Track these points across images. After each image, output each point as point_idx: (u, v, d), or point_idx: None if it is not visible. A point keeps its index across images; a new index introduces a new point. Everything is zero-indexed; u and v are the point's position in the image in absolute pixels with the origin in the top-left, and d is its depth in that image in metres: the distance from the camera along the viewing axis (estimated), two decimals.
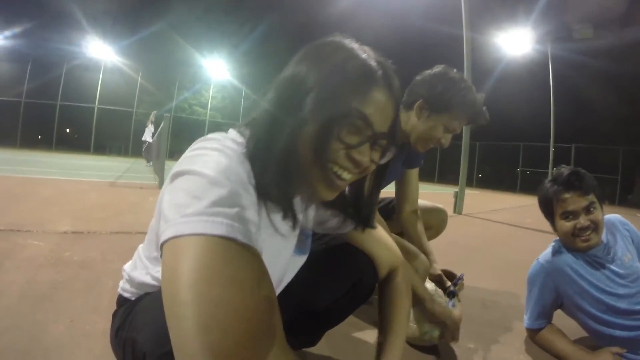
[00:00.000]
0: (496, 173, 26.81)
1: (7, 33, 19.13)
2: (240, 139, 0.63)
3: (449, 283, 1.56)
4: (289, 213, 0.64)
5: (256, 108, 0.67)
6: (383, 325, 0.88)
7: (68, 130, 23.41)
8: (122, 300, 0.79)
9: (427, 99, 1.44)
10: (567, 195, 1.37)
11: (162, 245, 0.49)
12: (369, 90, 0.62)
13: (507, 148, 23.89)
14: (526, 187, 21.55)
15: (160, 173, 6.56)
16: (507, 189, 22.12)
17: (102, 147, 21.70)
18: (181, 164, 0.56)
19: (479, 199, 12.07)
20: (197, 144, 0.60)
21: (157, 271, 0.69)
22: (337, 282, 0.89)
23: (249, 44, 24.62)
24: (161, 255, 0.49)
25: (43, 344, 1.17)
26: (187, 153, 0.58)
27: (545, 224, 1.54)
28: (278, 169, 0.60)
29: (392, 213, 1.87)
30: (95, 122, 20.56)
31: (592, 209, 1.35)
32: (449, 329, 1.27)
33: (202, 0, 24.88)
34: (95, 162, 12.14)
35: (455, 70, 1.49)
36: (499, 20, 15.53)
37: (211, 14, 24.97)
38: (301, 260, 0.84)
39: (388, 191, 1.81)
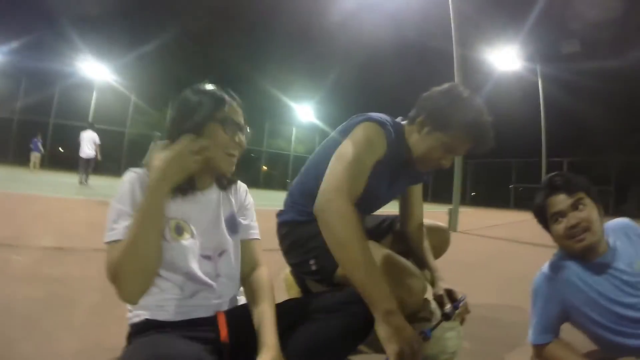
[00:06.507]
0: (489, 191, 26.75)
1: (3, 48, 19.04)
2: None
3: (449, 305, 1.38)
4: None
5: None
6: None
7: (60, 148, 23.14)
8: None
9: (429, 113, 1.35)
10: (553, 197, 1.31)
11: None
12: (222, 106, 1.03)
13: (499, 165, 23.94)
14: (520, 203, 21.57)
15: None
16: (501, 206, 22.06)
17: (94, 167, 21.43)
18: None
19: (473, 216, 12.04)
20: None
21: None
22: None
23: (249, 68, 24.71)
24: None
25: None
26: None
27: (543, 238, 1.46)
28: None
29: (385, 233, 1.77)
30: None
31: (580, 206, 1.28)
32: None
33: (196, 22, 25.12)
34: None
35: (464, 88, 1.38)
36: (489, 36, 15.73)
37: (207, 37, 25.17)
38: (235, 238, 1.09)
39: (388, 210, 1.75)
